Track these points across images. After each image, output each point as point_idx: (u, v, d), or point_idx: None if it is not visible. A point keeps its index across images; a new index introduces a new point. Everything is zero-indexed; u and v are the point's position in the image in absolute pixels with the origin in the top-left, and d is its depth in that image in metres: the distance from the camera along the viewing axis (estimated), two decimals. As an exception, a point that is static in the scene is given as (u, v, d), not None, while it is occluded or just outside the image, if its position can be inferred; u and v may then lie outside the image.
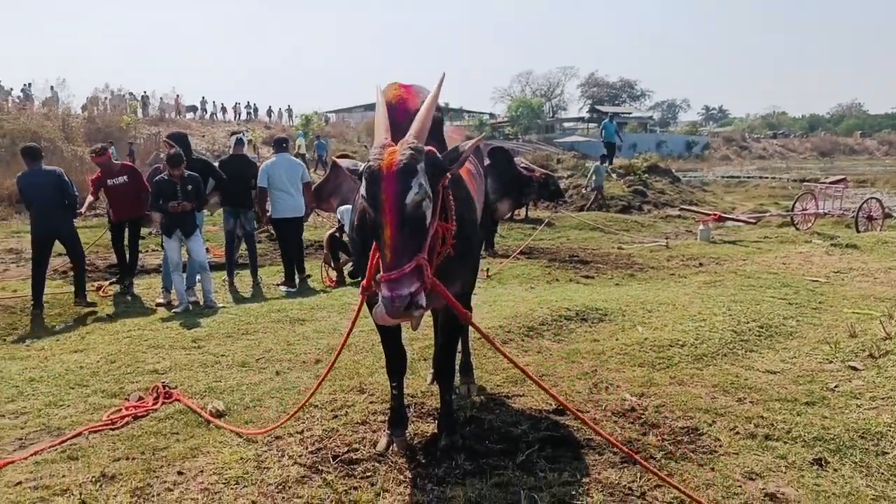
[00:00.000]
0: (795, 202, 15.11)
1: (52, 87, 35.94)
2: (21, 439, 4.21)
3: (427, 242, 2.87)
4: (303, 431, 4.05)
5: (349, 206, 9.82)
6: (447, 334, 3.78)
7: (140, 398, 4.79)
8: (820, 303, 7.19)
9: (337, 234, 9.47)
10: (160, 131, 29.33)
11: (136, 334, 6.47)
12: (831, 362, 5.24)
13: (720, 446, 3.81)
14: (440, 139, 3.43)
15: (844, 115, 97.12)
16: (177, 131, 9.13)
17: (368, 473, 3.47)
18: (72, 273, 8.28)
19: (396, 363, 3.84)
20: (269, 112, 44.34)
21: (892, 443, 3.82)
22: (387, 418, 3.96)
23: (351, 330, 3.85)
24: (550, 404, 4.40)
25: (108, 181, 8.30)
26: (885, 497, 3.30)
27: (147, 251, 10.95)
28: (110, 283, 8.53)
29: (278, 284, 8.84)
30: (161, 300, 7.96)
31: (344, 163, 3.19)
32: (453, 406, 3.97)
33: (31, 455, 3.92)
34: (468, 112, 68.60)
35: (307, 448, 3.79)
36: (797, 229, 14.36)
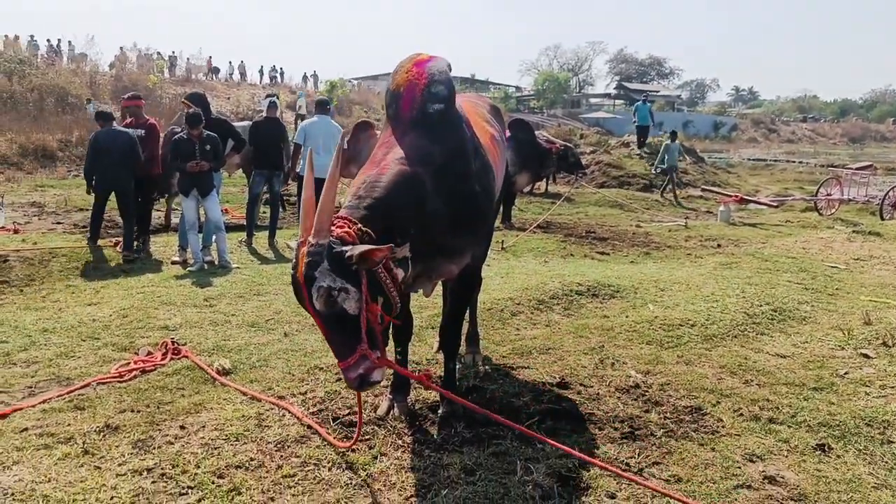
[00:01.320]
0: (820, 187, 14.86)
1: (69, 42, 35.91)
2: (31, 387, 4.27)
3: (362, 331, 2.81)
4: (306, 393, 4.08)
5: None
6: (455, 302, 3.77)
7: (149, 353, 4.84)
8: (837, 289, 7.09)
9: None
10: (186, 91, 29.37)
11: (150, 290, 6.53)
12: (843, 349, 5.18)
13: (722, 427, 3.79)
14: (442, 128, 3.39)
15: (877, 101, 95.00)
16: (196, 91, 9.14)
17: (367, 436, 3.49)
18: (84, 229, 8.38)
19: (403, 329, 3.84)
20: (305, 77, 44.12)
21: (898, 432, 3.78)
22: (390, 383, 3.98)
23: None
24: (554, 377, 4.39)
25: (130, 131, 8.37)
26: (886, 485, 3.27)
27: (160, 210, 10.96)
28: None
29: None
30: (177, 258, 8.02)
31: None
32: (456, 374, 3.97)
33: (40, 403, 3.99)
34: (494, 84, 67.95)
35: (308, 409, 3.82)
36: (820, 214, 14.14)
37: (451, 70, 3.64)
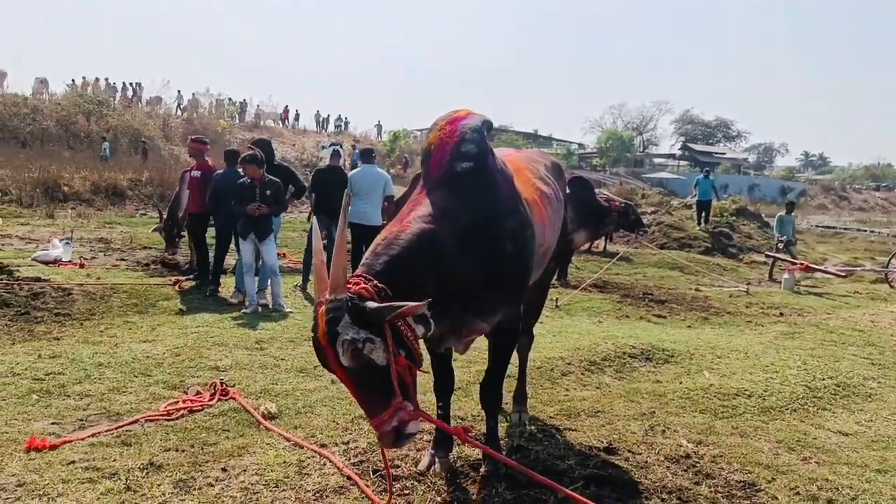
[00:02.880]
0: (892, 258, 14.33)
1: (139, 84, 37.59)
2: (81, 420, 4.36)
3: (395, 382, 2.73)
4: (348, 442, 4.05)
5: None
6: (495, 359, 3.71)
7: (198, 392, 4.90)
8: (907, 366, 6.76)
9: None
10: (254, 137, 30.43)
11: (204, 330, 6.65)
12: (905, 432, 4.91)
13: (777, 506, 3.61)
14: (473, 185, 3.34)
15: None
16: (262, 137, 9.44)
17: (406, 491, 3.44)
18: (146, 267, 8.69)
19: (444, 383, 3.81)
20: (379, 128, 45.31)
21: (970, 524, 3.54)
22: (432, 438, 3.92)
23: None
24: (602, 442, 4.27)
25: (191, 173, 8.70)
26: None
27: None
28: (187, 279, 8.82)
29: None
30: (233, 300, 8.17)
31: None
32: (498, 433, 3.89)
33: (89, 437, 4.06)
34: (557, 140, 68.34)
35: (349, 459, 3.79)
36: (891, 287, 13.62)
37: (489, 127, 3.61)
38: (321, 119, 43.16)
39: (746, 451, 4.28)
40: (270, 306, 7.94)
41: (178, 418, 4.46)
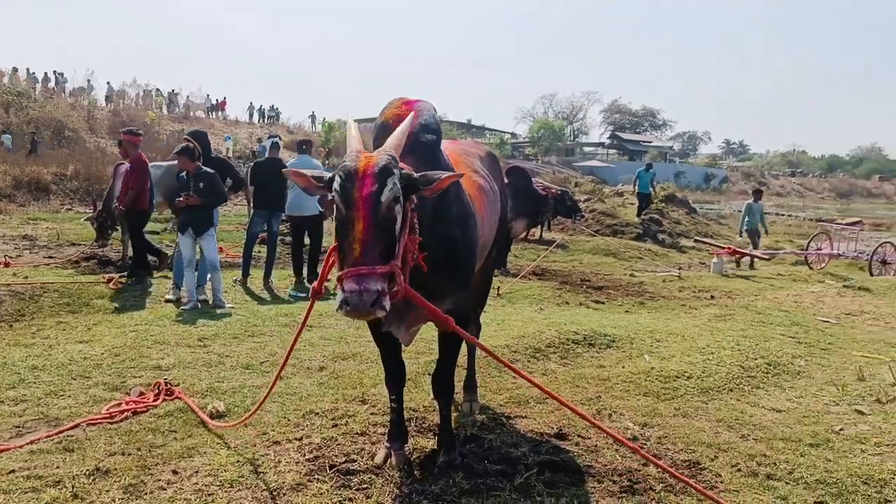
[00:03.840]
0: (810, 241, 15.01)
1: (61, 74, 36.06)
2: (18, 427, 4.20)
3: (399, 249, 2.85)
4: (301, 438, 4.03)
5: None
6: (446, 349, 3.74)
7: (141, 393, 4.78)
8: (829, 344, 7.11)
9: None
10: (184, 129, 29.63)
11: (143, 329, 6.47)
12: (838, 405, 5.17)
13: (721, 482, 3.75)
14: (433, 160, 3.38)
15: (864, 157, 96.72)
16: (197, 129, 9.19)
17: (364, 485, 3.44)
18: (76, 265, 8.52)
19: (396, 376, 3.81)
20: (313, 118, 44.57)
21: (895, 490, 3.76)
22: (387, 431, 3.93)
23: (299, 333, 3.86)
24: (552, 428, 4.36)
25: (121, 166, 8.46)
26: (886, 547, 3.23)
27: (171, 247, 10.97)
28: (121, 276, 8.56)
29: (290, 294, 8.82)
30: (171, 296, 7.97)
31: (310, 172, 3.16)
32: (452, 423, 3.93)
33: (28, 444, 3.91)
34: (490, 130, 68.77)
35: (304, 455, 3.77)
36: (810, 268, 14.25)
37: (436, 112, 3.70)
38: (253, 110, 42.31)
39: (689, 432, 4.43)
40: (210, 302, 7.78)
41: (121, 421, 4.35)
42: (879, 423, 4.74)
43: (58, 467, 3.61)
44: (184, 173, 7.65)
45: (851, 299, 10.15)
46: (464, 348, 4.67)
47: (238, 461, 3.69)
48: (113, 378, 5.14)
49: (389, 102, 3.59)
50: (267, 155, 9.38)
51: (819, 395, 5.39)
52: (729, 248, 13.94)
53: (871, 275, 12.97)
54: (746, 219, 15.82)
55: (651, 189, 21.37)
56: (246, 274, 9.10)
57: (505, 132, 69.64)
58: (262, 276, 9.20)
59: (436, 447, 3.84)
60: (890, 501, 3.66)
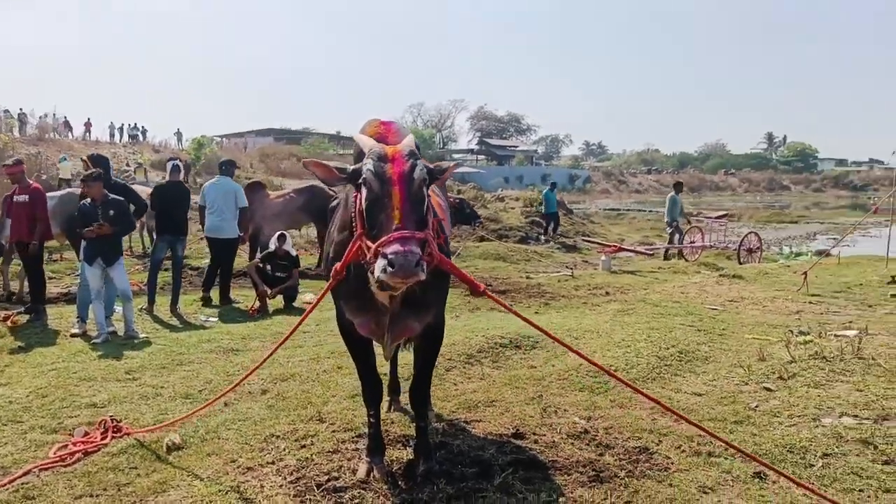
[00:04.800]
0: (684, 235, 16.17)
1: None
2: (-37, 480, 3.98)
3: (429, 226, 3.06)
4: (274, 462, 4.05)
5: (278, 233, 9.79)
6: (424, 360, 3.91)
7: (86, 433, 4.62)
8: (724, 329, 7.77)
9: (261, 264, 9.40)
10: (40, 151, 27.87)
11: (62, 366, 6.18)
12: (747, 384, 5.71)
13: (672, 463, 4.12)
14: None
15: (710, 154, 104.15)
16: (98, 153, 8.81)
17: (356, 500, 3.54)
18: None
19: (374, 390, 3.94)
20: (179, 136, 42.59)
21: (815, 455, 4.24)
22: (359, 446, 4.05)
23: (308, 314, 3.91)
24: (508, 428, 4.60)
25: (14, 197, 7.98)
26: (821, 505, 3.68)
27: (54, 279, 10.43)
28: (18, 313, 8.06)
29: (204, 320, 8.63)
30: (76, 330, 7.60)
31: (332, 163, 3.32)
32: (429, 432, 4.09)
33: (-17, 496, 3.73)
34: (359, 140, 68.59)
35: (285, 479, 3.81)
36: (686, 261, 15.35)
37: None
38: (114, 129, 40.19)
39: (630, 421, 4.80)
40: (122, 334, 7.50)
41: (73, 463, 4.21)
42: (787, 398, 5.30)
43: (28, 517, 3.48)
44: (87, 201, 7.34)
45: (729, 287, 11.06)
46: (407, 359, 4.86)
47: (220, 490, 3.69)
48: (48, 420, 4.93)
49: (368, 122, 3.79)
50: (168, 178, 9.11)
51: (729, 377, 5.93)
52: (615, 246, 14.80)
53: (740, 263, 14.16)
54: (671, 210, 16.25)
55: (555, 210, 21.37)
56: (152, 301, 8.81)
57: (308, 159, 69.72)
58: (170, 303, 8.93)
59: (412, 457, 3.98)
60: (813, 465, 4.14)
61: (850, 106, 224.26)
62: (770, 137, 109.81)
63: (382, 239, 2.81)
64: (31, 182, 8.23)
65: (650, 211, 41.86)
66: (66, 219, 8.56)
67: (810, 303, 9.66)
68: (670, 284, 11.56)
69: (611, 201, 59.24)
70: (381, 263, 2.76)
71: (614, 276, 13.16)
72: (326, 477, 3.80)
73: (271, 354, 4.34)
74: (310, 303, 9.94)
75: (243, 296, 10.22)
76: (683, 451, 4.31)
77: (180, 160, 9.58)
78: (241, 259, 13.52)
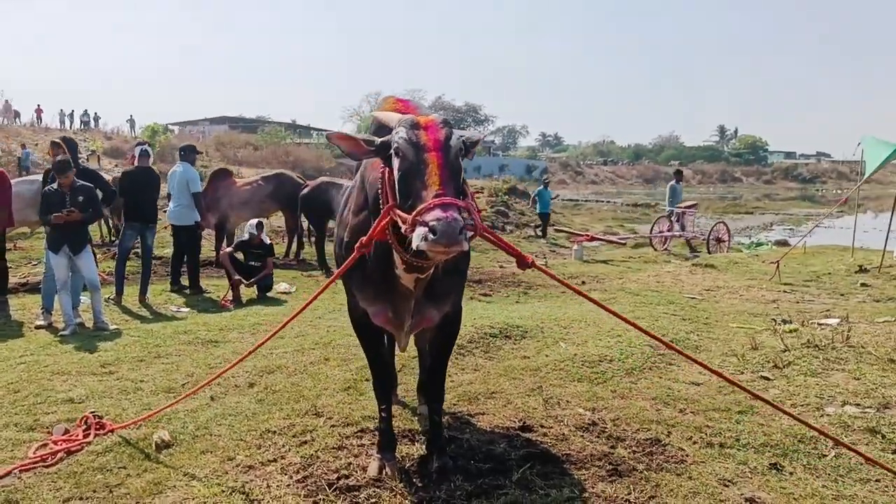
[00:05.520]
0: (654, 224, 16.26)
1: None
2: (-64, 483, 3.67)
3: (469, 196, 2.92)
4: (276, 460, 3.83)
5: (255, 221, 9.48)
6: (440, 352, 3.74)
7: (66, 431, 4.32)
8: (707, 318, 7.75)
9: (234, 253, 9.09)
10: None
11: (32, 360, 5.83)
12: (743, 373, 5.67)
13: (687, 456, 4.01)
14: None
15: (664, 145, 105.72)
16: (66, 136, 8.38)
17: (372, 499, 3.35)
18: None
19: (386, 384, 3.76)
20: (132, 123, 41.18)
21: (826, 445, 4.19)
22: (364, 442, 3.89)
23: (321, 291, 3.73)
24: (513, 421, 4.46)
25: None
26: (842, 496, 3.60)
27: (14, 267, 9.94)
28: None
29: (175, 310, 8.31)
30: (41, 322, 7.22)
31: (359, 136, 3.09)
32: (443, 427, 3.91)
33: (-40, 500, 3.44)
34: (316, 129, 67.86)
35: (292, 478, 3.59)
36: (655, 249, 15.44)
37: None
38: (64, 116, 38.86)
39: (635, 412, 4.69)
40: (90, 325, 7.14)
41: (56, 464, 3.92)
42: (786, 387, 5.26)
43: (15, 524, 3.21)
44: (52, 186, 6.95)
45: (702, 276, 11.12)
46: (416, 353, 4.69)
47: (222, 491, 3.46)
48: (23, 417, 4.61)
49: (384, 99, 3.60)
50: (137, 163, 8.72)
51: (724, 366, 5.87)
52: (587, 235, 14.79)
53: (709, 252, 14.27)
54: (671, 199, 16.09)
55: (549, 209, 19.75)
56: (120, 291, 8.44)
57: (332, 131, 68.95)
58: (139, 294, 8.57)
59: (423, 452, 3.81)
60: (825, 456, 4.09)
61: (799, 100, 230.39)
62: (722, 130, 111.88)
63: (422, 206, 2.56)
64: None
65: (608, 202, 42.29)
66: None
67: (784, 292, 9.74)
68: (644, 273, 11.57)
69: (569, 192, 59.64)
70: (420, 231, 2.50)
71: (587, 265, 13.15)
72: (336, 475, 3.59)
73: (269, 338, 4.13)
74: (286, 293, 9.73)
75: (213, 286, 9.89)
76: (695, 442, 4.21)
77: (149, 144, 9.15)
78: (208, 248, 13.14)
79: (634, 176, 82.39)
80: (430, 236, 2.46)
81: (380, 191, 2.98)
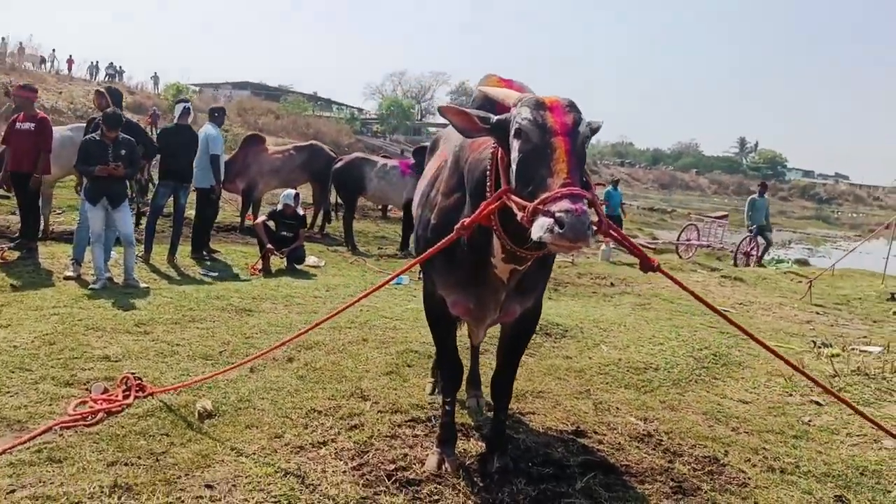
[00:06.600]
0: (682, 232, 16.04)
1: None
2: (-27, 432, 3.54)
3: (592, 188, 2.61)
4: (326, 443, 3.68)
5: (292, 192, 9.32)
6: (513, 349, 3.57)
7: (105, 390, 4.18)
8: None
9: (270, 223, 8.94)
10: (11, 80, 26.55)
11: (66, 312, 5.69)
12: (791, 395, 5.49)
13: (749, 479, 3.85)
14: None
15: (683, 152, 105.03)
16: (112, 86, 8.20)
17: (435, 497, 3.19)
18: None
19: (455, 375, 3.59)
20: (156, 80, 40.87)
21: (890, 481, 4.03)
22: (417, 432, 3.75)
23: (392, 278, 3.57)
24: (566, 424, 4.31)
25: (18, 125, 7.37)
26: (913, 535, 3.46)
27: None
28: (9, 248, 7.48)
29: (204, 273, 8.17)
30: (71, 273, 7.08)
31: (473, 112, 2.84)
32: (506, 426, 3.75)
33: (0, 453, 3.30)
34: (337, 104, 67.51)
35: (347, 464, 3.44)
36: (680, 257, 15.23)
37: None
38: (93, 67, 38.64)
39: (687, 426, 4.52)
40: (120, 281, 7.00)
41: (97, 423, 3.78)
42: (839, 415, 5.07)
43: (61, 484, 3.06)
44: (94, 135, 6.78)
45: (732, 289, 10.94)
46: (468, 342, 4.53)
47: (276, 472, 3.30)
48: (60, 371, 4.47)
49: (486, 77, 3.34)
50: (176, 121, 8.53)
51: (771, 385, 5.70)
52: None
53: (736, 265, 14.07)
54: (750, 213, 14.84)
55: (621, 212, 16.51)
56: (149, 249, 8.29)
57: (353, 107, 68.69)
58: (168, 253, 8.42)
59: (484, 451, 3.65)
60: (891, 491, 3.93)
61: (820, 119, 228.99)
62: (742, 142, 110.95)
63: (548, 194, 2.33)
64: (38, 112, 7.61)
65: (627, 204, 41.95)
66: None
67: (817, 313, 9.56)
68: (670, 281, 11.36)
69: (585, 191, 59.22)
70: (544, 222, 2.29)
71: (613, 266, 12.96)
72: (393, 466, 3.44)
73: (336, 314, 3.94)
74: (315, 266, 9.58)
75: (238, 252, 9.75)
76: (754, 465, 4.05)
77: (189, 101, 8.92)
78: (231, 213, 13.00)
79: (651, 180, 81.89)
80: (557, 229, 2.25)
81: (487, 172, 2.79)
